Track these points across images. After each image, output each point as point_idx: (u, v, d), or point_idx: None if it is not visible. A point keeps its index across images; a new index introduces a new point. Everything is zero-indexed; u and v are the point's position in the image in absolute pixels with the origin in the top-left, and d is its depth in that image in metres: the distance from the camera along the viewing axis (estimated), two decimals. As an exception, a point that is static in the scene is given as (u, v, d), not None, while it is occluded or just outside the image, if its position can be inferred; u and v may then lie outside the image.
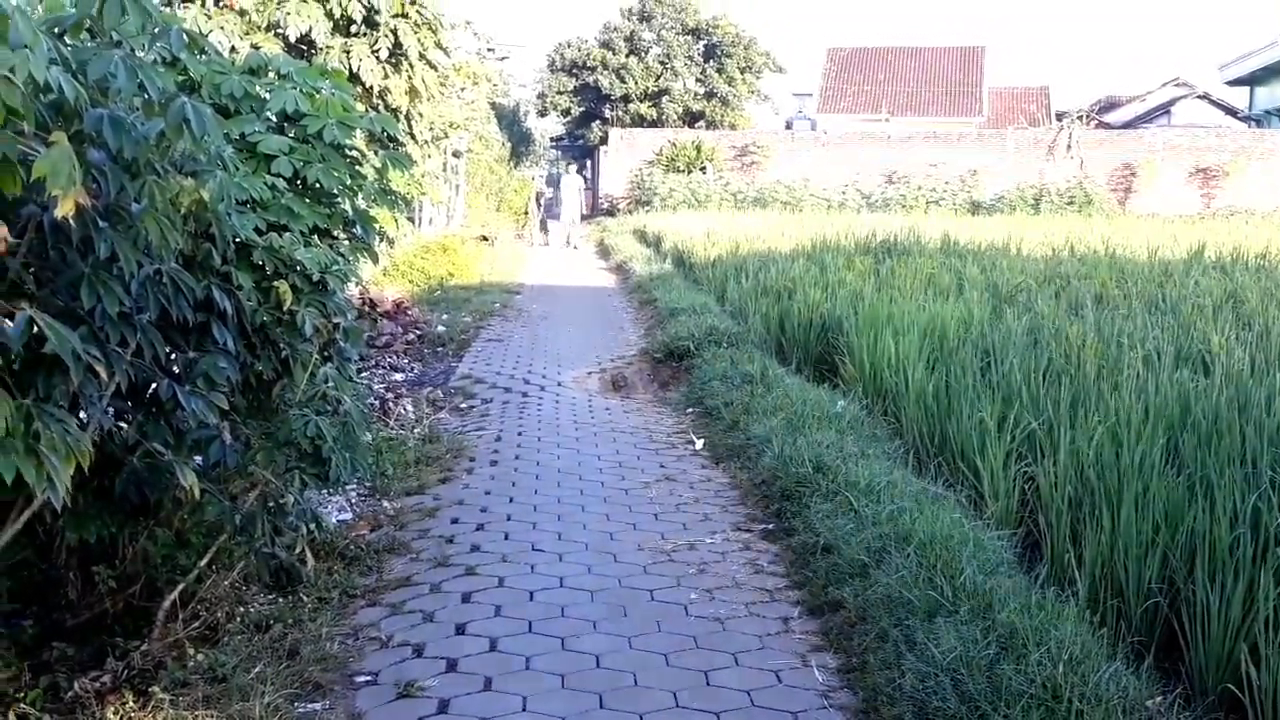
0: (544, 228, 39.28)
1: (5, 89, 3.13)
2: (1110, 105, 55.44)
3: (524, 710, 4.74)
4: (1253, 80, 48.64)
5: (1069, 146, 43.31)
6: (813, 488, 7.17)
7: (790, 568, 6.47)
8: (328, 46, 13.95)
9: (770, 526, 7.21)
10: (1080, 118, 46.46)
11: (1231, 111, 50.94)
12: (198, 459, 5.02)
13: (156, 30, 4.02)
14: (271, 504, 5.76)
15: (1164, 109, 52.02)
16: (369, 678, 5.03)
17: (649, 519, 7.45)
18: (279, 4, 13.91)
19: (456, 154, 30.61)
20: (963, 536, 5.85)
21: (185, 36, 4.44)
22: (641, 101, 58.74)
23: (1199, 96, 51.84)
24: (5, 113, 3.15)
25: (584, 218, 38.87)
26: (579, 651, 5.34)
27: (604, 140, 50.70)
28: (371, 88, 14.29)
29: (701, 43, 59.67)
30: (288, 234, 5.68)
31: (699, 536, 7.06)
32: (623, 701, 4.83)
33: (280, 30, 13.81)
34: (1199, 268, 17.43)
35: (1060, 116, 49.92)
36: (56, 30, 3.89)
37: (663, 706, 4.79)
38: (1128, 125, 49.65)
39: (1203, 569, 5.07)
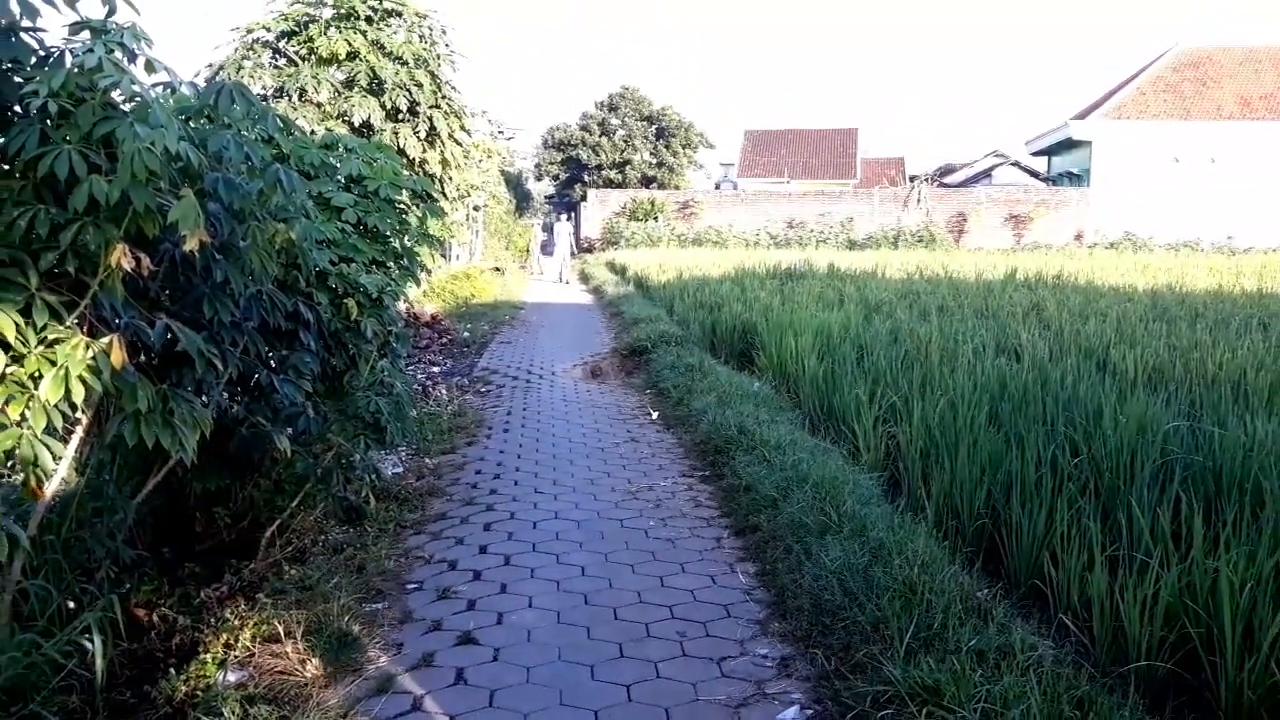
0: (528, 262, 38.81)
1: (148, 157, 3.13)
2: (948, 170, 55.54)
3: (530, 606, 4.74)
4: (1050, 151, 48.96)
5: (919, 200, 43.48)
6: (737, 445, 7.19)
7: (721, 502, 6.49)
8: (381, 129, 13.90)
9: (707, 473, 7.23)
10: (926, 179, 46.61)
11: (1035, 174, 51.23)
12: (289, 429, 5.02)
13: (257, 116, 4.00)
14: (344, 461, 5.75)
15: (987, 173, 52.31)
16: (417, 585, 5.02)
17: (619, 468, 7.45)
18: (345, 99, 13.84)
19: (476, 208, 30.48)
20: (845, 478, 5.88)
21: (279, 121, 4.43)
22: (610, 169, 58.82)
23: (1012, 164, 52.16)
24: (148, 174, 3.14)
25: (572, 254, 38.61)
26: (569, 564, 5.34)
27: (584, 198, 50.54)
28: (414, 159, 14.24)
29: (654, 126, 59.79)
30: (354, 264, 5.68)
31: (656, 481, 7.07)
32: (601, 599, 4.84)
33: (347, 118, 13.75)
34: (1012, 286, 17.61)
35: (912, 179, 50.02)
36: (183, 116, 3.87)
37: (630, 602, 4.80)
38: (961, 184, 49.82)
39: (1016, 499, 5.13)
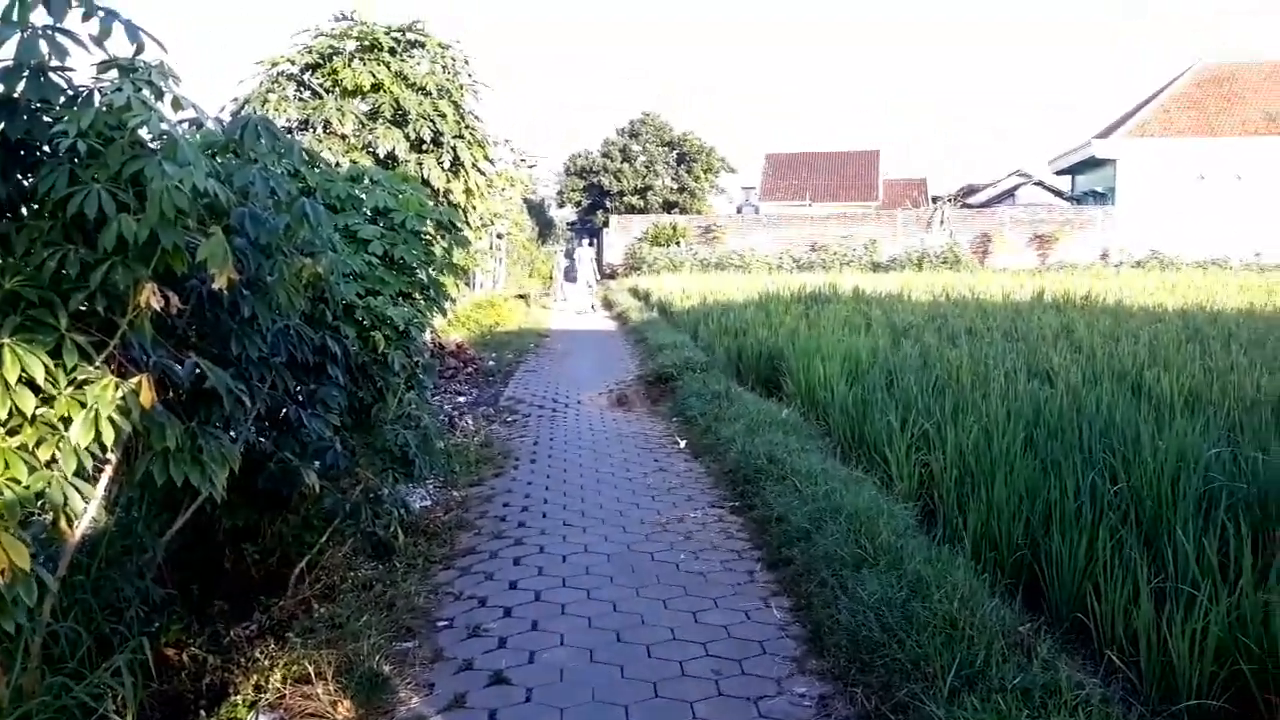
0: (551, 289, 38.88)
1: (177, 195, 3.11)
2: (971, 190, 55.26)
3: (562, 644, 4.67)
4: (1073, 170, 48.71)
5: (942, 222, 43.29)
6: (767, 474, 7.10)
7: (753, 534, 6.40)
8: (405, 160, 13.96)
9: (737, 504, 7.14)
10: (949, 200, 46.49)
11: (1059, 193, 50.88)
12: (317, 463, 4.98)
13: (282, 151, 4.00)
14: (372, 495, 5.71)
15: (1010, 192, 52.00)
16: (447, 622, 4.97)
17: (648, 499, 7.38)
18: (370, 131, 13.92)
19: (499, 236, 30.55)
20: (878, 509, 5.78)
21: (305, 154, 4.42)
22: (632, 195, 58.93)
23: (1035, 183, 51.82)
24: (176, 212, 3.13)
25: (595, 280, 38.51)
26: (600, 599, 5.27)
27: (606, 224, 50.63)
28: (438, 189, 14.27)
29: (675, 152, 59.88)
30: (380, 297, 5.67)
31: (685, 512, 6.99)
32: (634, 635, 4.77)
33: (372, 149, 13.82)
34: (1040, 307, 17.45)
35: (935, 200, 49.89)
36: (210, 152, 3.87)
37: (663, 639, 4.73)
38: (984, 205, 49.55)
39: (1056, 528, 5.01)
